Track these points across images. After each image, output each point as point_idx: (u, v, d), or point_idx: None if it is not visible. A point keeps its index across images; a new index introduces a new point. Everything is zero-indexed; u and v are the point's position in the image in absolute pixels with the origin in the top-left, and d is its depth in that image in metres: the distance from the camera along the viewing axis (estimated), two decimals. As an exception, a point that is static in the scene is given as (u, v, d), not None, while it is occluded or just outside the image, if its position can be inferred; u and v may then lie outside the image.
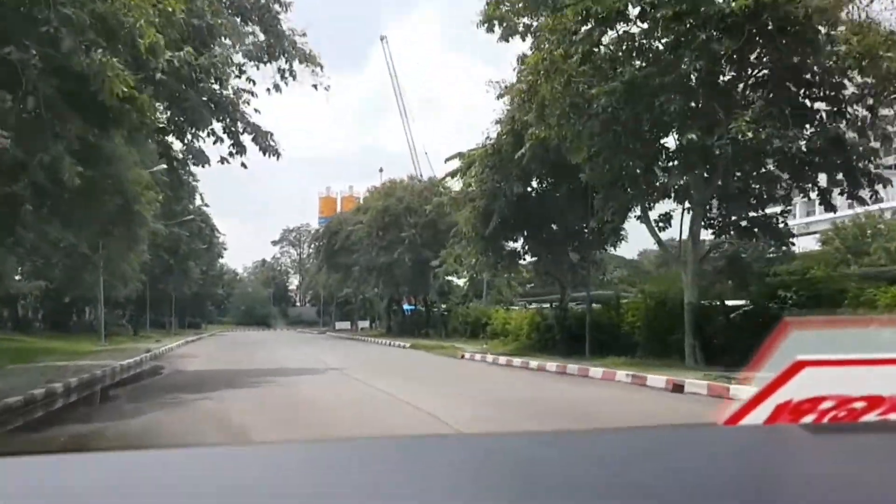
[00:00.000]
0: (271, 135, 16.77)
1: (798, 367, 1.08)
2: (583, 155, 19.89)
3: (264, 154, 16.61)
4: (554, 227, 28.08)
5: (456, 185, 32.38)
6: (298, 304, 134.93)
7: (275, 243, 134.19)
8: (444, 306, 46.52)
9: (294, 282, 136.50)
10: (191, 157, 16.91)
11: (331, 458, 1.09)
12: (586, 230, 26.19)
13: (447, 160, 29.06)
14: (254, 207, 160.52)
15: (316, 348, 37.16)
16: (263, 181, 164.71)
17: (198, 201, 55.55)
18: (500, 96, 27.69)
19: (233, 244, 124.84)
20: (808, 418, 1.11)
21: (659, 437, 1.27)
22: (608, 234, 25.51)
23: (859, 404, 1.10)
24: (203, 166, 16.01)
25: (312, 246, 59.49)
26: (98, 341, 39.04)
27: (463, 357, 26.85)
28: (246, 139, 16.89)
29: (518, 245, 29.85)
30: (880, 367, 1.10)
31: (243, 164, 16.76)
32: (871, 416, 1.11)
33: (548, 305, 39.00)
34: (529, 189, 27.15)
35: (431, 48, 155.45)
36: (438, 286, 45.91)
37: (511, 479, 1.01)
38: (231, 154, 16.53)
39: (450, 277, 47.09)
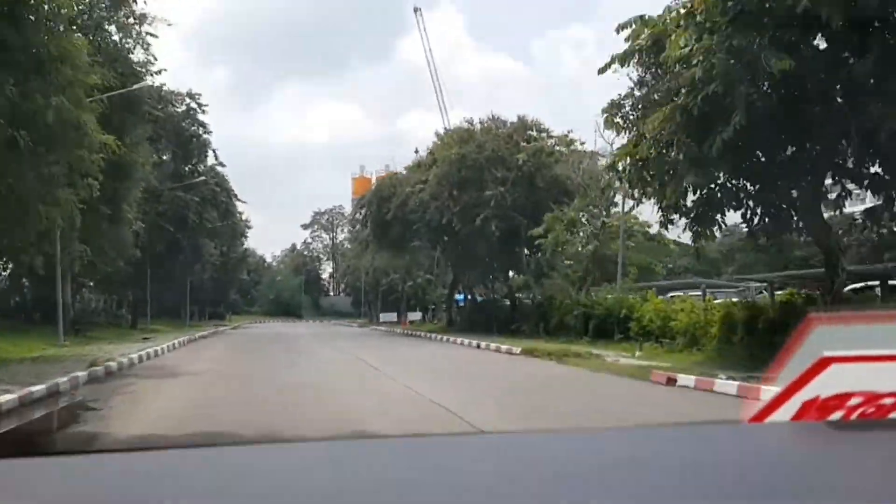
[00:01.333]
0: None
1: (824, 363, 1.05)
2: None
3: None
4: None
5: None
6: (332, 293, 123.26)
7: (305, 227, 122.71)
8: (535, 294, 34.16)
9: (327, 269, 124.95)
10: None
11: (357, 457, 1.09)
12: None
13: (619, 28, 16.52)
14: (279, 198, 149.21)
15: (374, 352, 25.21)
16: (286, 172, 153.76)
17: (210, 159, 43.86)
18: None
19: (259, 235, 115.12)
20: (836, 415, 1.08)
21: (685, 435, 1.25)
22: None
23: (888, 400, 1.07)
24: None
25: (357, 216, 47.07)
26: (70, 336, 27.62)
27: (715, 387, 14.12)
28: None
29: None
30: None
31: None
32: None
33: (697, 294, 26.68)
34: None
35: (456, 42, 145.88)
36: (535, 264, 33.64)
37: (537, 477, 1.00)
38: None
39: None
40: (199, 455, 1.15)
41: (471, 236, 33.22)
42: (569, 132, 33.42)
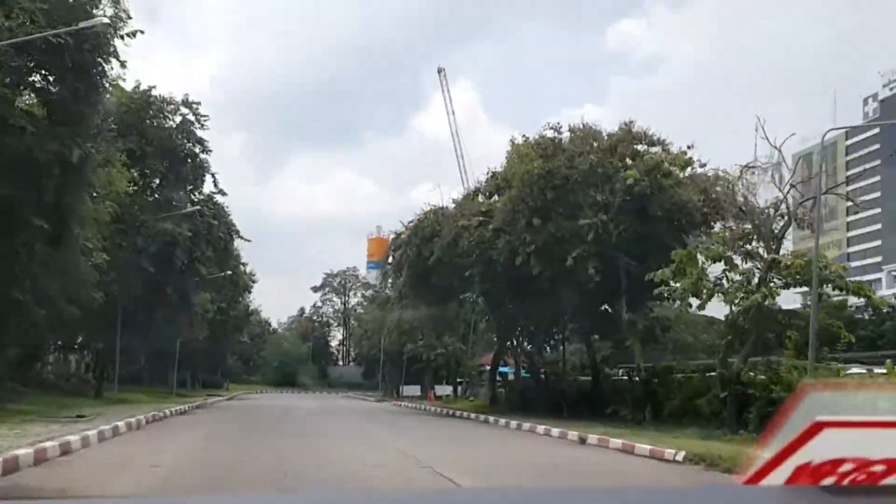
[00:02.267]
0: None
1: (817, 428, 1.06)
2: None
3: None
4: None
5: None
6: (341, 362, 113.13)
7: (315, 289, 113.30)
8: (639, 365, 24.72)
9: (337, 336, 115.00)
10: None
11: None
12: None
13: None
14: (288, 267, 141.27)
15: (433, 447, 15.83)
16: (296, 241, 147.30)
17: (208, 186, 35.20)
18: None
19: (265, 303, 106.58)
20: (828, 480, 1.08)
21: (680, 498, 1.24)
22: None
23: (879, 467, 1.07)
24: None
25: (390, 260, 37.34)
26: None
27: None
28: None
29: None
30: None
31: None
32: (891, 480, 1.07)
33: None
34: None
35: (472, 117, 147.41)
36: (644, 323, 24.34)
37: None
38: None
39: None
40: None
41: (555, 283, 24.03)
42: (689, 147, 24.62)
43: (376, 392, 78.37)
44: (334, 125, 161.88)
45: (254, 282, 57.14)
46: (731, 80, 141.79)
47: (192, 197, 33.98)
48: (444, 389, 50.80)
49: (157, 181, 33.75)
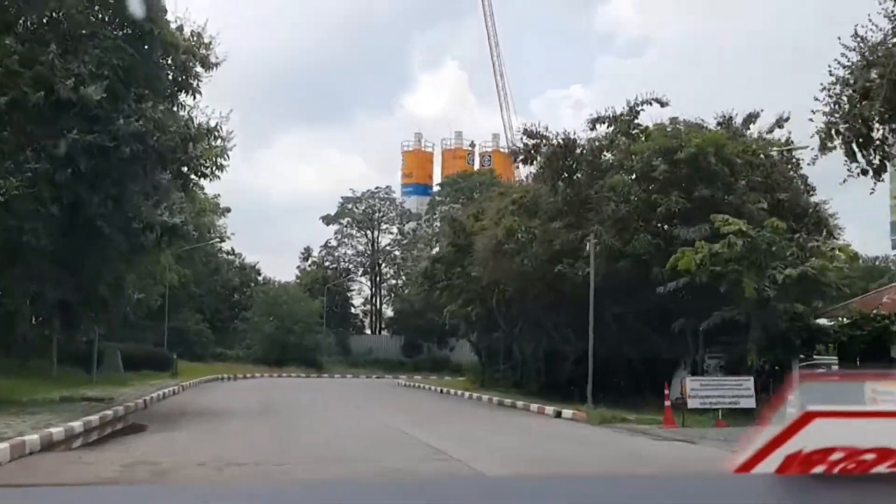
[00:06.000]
0: None
1: (808, 417, 1.07)
2: None
3: None
4: None
5: None
6: (368, 330, 73.92)
7: (329, 221, 73.50)
8: None
9: (363, 290, 75.01)
10: None
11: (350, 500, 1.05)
12: None
13: None
14: (275, 247, 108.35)
15: None
16: (285, 221, 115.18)
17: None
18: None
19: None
20: (818, 469, 1.09)
21: (671, 486, 1.26)
22: None
23: (869, 456, 1.08)
24: None
25: None
26: None
27: None
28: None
29: None
30: (890, 419, 1.10)
31: None
32: (880, 469, 1.08)
33: None
34: None
35: (458, 97, 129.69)
36: None
37: None
38: None
39: None
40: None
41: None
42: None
43: (459, 378, 41.02)
44: (323, 103, 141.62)
45: (210, 62, 18.14)
46: (720, 60, 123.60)
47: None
48: None
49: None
